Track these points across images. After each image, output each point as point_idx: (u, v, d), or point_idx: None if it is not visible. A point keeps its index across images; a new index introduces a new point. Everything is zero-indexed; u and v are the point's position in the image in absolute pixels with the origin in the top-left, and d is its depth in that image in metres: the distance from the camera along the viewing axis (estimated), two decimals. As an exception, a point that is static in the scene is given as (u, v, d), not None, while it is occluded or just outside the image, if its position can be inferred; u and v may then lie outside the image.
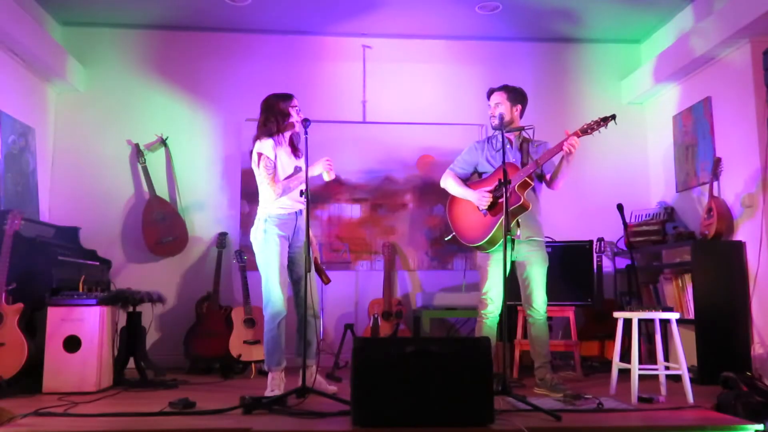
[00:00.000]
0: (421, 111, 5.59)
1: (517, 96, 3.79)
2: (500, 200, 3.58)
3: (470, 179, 3.89)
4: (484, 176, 3.82)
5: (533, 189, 3.70)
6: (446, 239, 3.90)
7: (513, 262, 3.69)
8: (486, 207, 3.63)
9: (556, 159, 3.64)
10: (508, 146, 3.71)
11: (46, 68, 4.96)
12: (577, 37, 5.68)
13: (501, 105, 3.75)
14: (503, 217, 3.42)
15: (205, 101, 5.49)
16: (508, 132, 3.68)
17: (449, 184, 3.87)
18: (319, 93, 5.43)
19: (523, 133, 3.79)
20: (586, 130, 3.49)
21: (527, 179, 3.56)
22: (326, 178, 3.70)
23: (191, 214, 5.35)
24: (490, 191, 3.66)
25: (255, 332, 4.66)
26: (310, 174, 3.63)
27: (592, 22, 5.39)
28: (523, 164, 3.69)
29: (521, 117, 3.83)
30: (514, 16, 5.29)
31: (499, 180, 3.37)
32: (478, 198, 3.67)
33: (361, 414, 2.68)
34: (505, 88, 3.80)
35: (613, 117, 3.46)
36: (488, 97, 3.83)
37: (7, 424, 2.75)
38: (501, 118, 3.68)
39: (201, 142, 5.46)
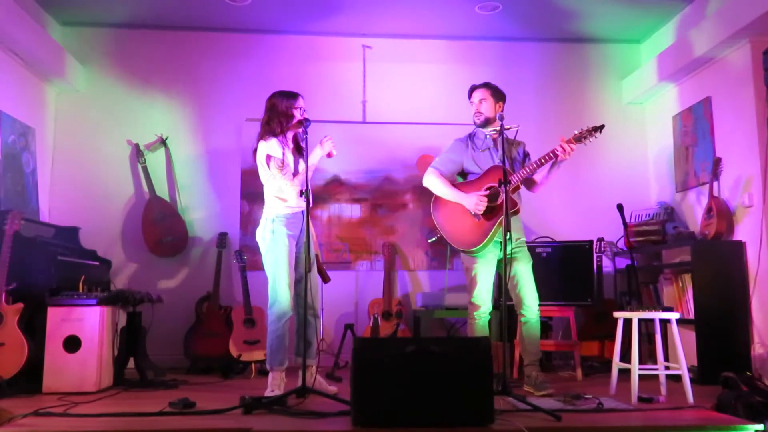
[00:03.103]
0: (421, 111, 5.58)
1: (499, 93, 3.79)
2: (493, 203, 3.60)
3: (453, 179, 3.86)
4: (470, 177, 3.78)
5: (522, 190, 3.77)
6: (431, 240, 3.88)
7: (499, 261, 3.67)
8: (481, 210, 3.61)
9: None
10: (492, 146, 3.74)
11: (45, 68, 4.96)
12: (578, 37, 5.68)
13: (485, 102, 3.74)
14: (500, 219, 3.50)
15: (205, 101, 5.49)
16: (491, 130, 3.72)
17: (434, 183, 3.76)
18: (319, 93, 5.42)
19: (506, 133, 3.71)
20: (580, 138, 3.50)
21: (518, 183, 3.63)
22: (333, 152, 3.66)
23: (191, 214, 5.35)
24: (485, 195, 3.63)
25: (255, 332, 4.66)
26: (312, 161, 3.62)
27: (592, 22, 5.39)
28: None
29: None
30: (514, 16, 5.29)
31: (500, 180, 3.36)
32: (475, 203, 3.62)
33: (361, 414, 2.68)
34: (487, 85, 3.79)
35: (602, 127, 3.51)
36: (470, 95, 3.80)
37: (7, 424, 2.75)
38: (501, 117, 3.60)
39: (201, 142, 5.46)
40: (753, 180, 4.32)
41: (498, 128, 3.62)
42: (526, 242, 3.83)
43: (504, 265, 3.31)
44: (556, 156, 3.54)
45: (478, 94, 3.78)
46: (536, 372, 3.71)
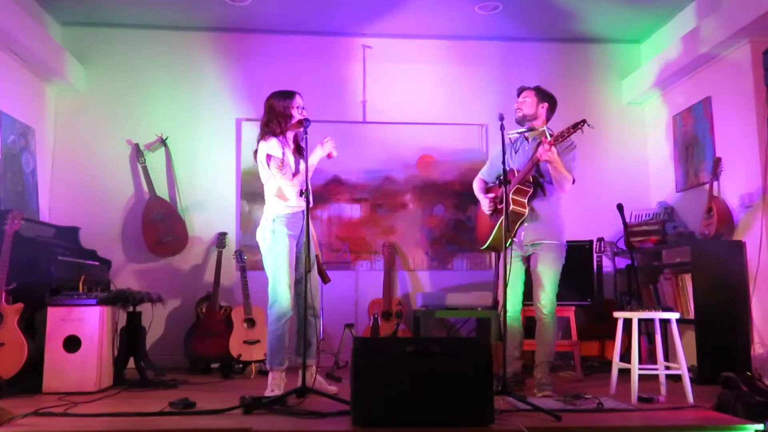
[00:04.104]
0: (421, 111, 5.58)
1: (545, 95, 3.85)
2: (499, 206, 3.76)
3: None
4: None
5: (544, 192, 3.74)
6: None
7: (528, 258, 3.78)
8: (489, 212, 3.86)
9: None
10: (525, 144, 3.82)
11: (45, 68, 4.95)
12: (578, 37, 5.68)
13: (527, 99, 3.81)
14: (500, 221, 3.65)
15: (205, 101, 5.49)
16: (525, 130, 3.80)
17: (474, 187, 4.06)
18: (319, 93, 5.41)
19: (547, 132, 3.74)
20: (558, 138, 3.55)
21: (521, 186, 3.66)
22: (333, 153, 3.63)
23: (191, 214, 5.35)
24: (493, 197, 3.86)
25: (255, 332, 4.66)
26: (312, 162, 3.58)
27: (592, 22, 5.39)
28: None
29: (548, 118, 3.84)
30: (514, 16, 5.29)
31: (499, 180, 3.43)
32: (483, 202, 3.92)
33: (361, 414, 2.68)
34: (535, 87, 3.87)
35: (584, 122, 3.51)
36: (518, 95, 3.87)
37: (7, 424, 2.75)
38: (501, 117, 3.63)
39: (201, 142, 5.46)
40: (753, 180, 4.32)
41: (534, 126, 3.76)
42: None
43: (504, 265, 3.39)
44: (539, 158, 3.60)
45: (524, 94, 3.85)
46: (541, 374, 3.71)
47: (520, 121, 3.81)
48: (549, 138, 3.62)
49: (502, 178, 3.45)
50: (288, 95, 3.65)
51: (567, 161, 3.67)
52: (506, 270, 3.40)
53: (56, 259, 4.13)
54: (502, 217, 3.53)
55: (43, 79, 5.13)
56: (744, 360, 4.14)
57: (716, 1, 4.62)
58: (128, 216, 5.31)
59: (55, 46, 5.05)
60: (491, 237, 3.79)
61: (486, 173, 4.05)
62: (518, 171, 3.70)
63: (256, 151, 3.63)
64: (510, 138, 3.83)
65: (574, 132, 3.52)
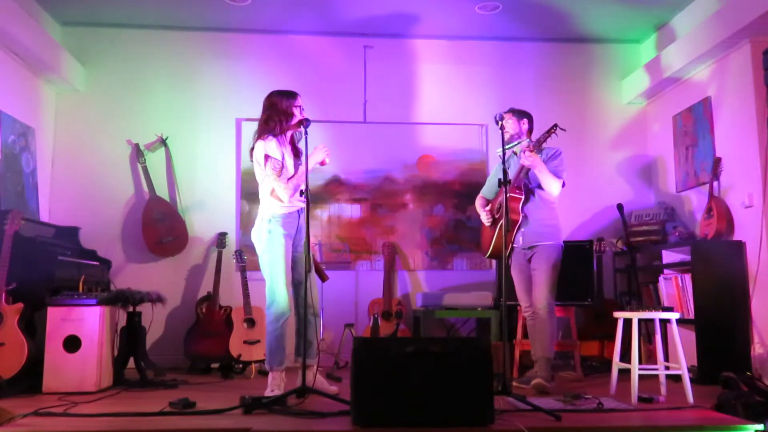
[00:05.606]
0: (421, 111, 5.59)
1: (522, 113, 4.06)
2: (496, 215, 4.02)
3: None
4: None
5: (536, 197, 3.91)
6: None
7: (529, 260, 3.93)
8: (488, 223, 4.06)
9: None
10: (515, 159, 4.01)
11: (45, 68, 4.95)
12: (577, 37, 5.68)
13: (509, 120, 3.98)
14: (495, 232, 3.97)
15: (205, 101, 5.49)
16: (510, 147, 3.99)
17: (476, 206, 4.23)
18: (319, 93, 5.42)
19: (529, 143, 3.94)
20: (537, 145, 3.83)
21: (512, 195, 3.84)
22: (326, 160, 3.66)
23: (191, 214, 5.35)
24: (489, 209, 4.09)
25: (255, 332, 4.66)
26: (312, 163, 3.58)
27: (592, 22, 5.39)
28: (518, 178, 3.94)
29: (530, 131, 4.04)
30: (515, 16, 5.29)
31: (499, 180, 3.55)
32: (482, 216, 4.12)
33: (361, 414, 2.68)
34: (509, 110, 4.07)
35: (556, 126, 3.78)
36: (496, 122, 3.88)
37: (7, 424, 2.75)
38: (501, 117, 3.81)
39: (201, 142, 5.46)
40: (753, 180, 4.32)
41: (519, 142, 3.98)
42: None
43: (503, 265, 3.50)
44: (522, 165, 3.86)
45: (504, 118, 3.95)
46: (540, 371, 3.77)
47: (509, 141, 3.99)
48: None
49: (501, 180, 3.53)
50: (291, 94, 3.67)
51: (555, 166, 3.89)
52: (504, 269, 3.52)
53: (56, 259, 4.13)
54: (499, 224, 3.84)
55: (43, 79, 5.13)
56: (744, 360, 4.14)
57: (716, 1, 4.62)
58: (128, 216, 5.31)
59: (55, 46, 5.05)
60: (492, 245, 4.00)
61: (486, 191, 4.24)
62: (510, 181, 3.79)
63: (252, 149, 3.64)
64: (500, 156, 3.91)
65: (549, 137, 3.79)
